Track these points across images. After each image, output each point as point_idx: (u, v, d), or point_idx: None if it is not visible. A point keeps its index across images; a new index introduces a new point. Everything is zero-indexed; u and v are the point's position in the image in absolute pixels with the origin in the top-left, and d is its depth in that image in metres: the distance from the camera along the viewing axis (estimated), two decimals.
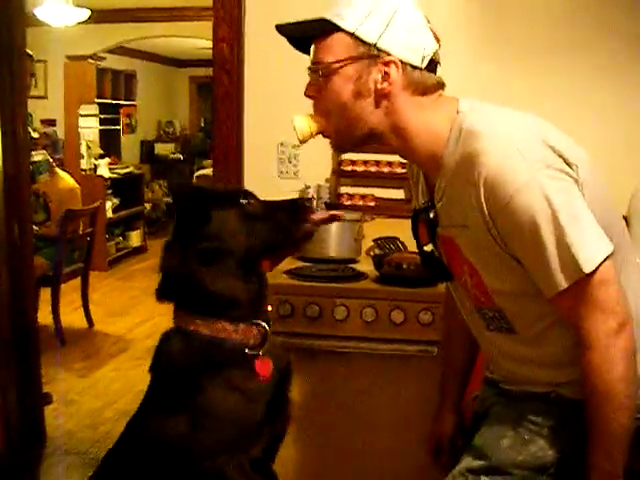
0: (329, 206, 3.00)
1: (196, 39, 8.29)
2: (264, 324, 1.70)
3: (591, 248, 1.36)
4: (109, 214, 8.03)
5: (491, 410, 1.65)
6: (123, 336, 5.67)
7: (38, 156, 4.83)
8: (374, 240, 2.84)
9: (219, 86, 3.09)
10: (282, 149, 3.11)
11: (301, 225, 1.71)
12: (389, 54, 1.46)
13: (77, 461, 3.58)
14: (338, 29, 1.47)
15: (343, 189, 3.20)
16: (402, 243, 2.82)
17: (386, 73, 1.46)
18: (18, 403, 3.58)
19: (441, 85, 1.54)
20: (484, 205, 1.40)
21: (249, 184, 3.07)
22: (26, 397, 3.63)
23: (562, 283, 1.38)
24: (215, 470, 1.61)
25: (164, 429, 1.65)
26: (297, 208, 1.73)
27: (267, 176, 3.16)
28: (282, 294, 2.43)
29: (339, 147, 1.64)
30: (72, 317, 5.78)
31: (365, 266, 2.68)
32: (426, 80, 1.50)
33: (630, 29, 2.94)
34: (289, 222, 1.70)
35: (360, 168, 3.12)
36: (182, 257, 1.67)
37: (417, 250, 1.75)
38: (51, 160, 5.35)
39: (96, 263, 6.65)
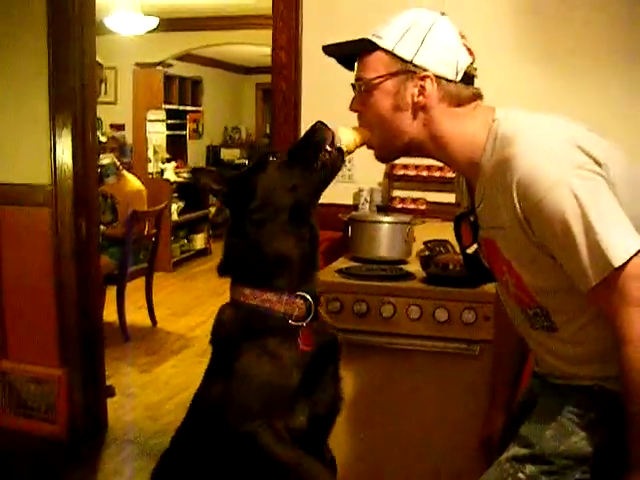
0: (380, 209, 3.07)
1: (263, 46, 8.47)
2: (309, 297, 1.73)
3: (620, 243, 1.41)
4: (174, 217, 8.24)
5: (537, 401, 1.72)
6: (185, 334, 5.83)
7: (106, 159, 5.00)
8: (424, 242, 2.89)
9: (277, 92, 3.20)
10: None
11: (325, 152, 1.72)
12: (425, 69, 1.57)
13: (137, 450, 3.70)
14: (377, 48, 1.60)
15: (395, 192, 3.26)
16: (452, 246, 2.88)
17: (422, 87, 1.57)
18: (82, 395, 3.76)
19: (477, 96, 1.63)
20: (518, 206, 1.48)
21: None
22: (90, 389, 3.80)
23: (594, 278, 1.43)
24: (247, 435, 1.65)
25: (207, 394, 1.74)
26: (313, 138, 1.74)
27: None
28: (332, 292, 2.52)
29: (382, 157, 1.74)
30: (136, 315, 5.96)
31: (414, 267, 2.76)
32: (461, 92, 1.59)
33: None
34: (314, 155, 1.72)
35: (412, 172, 3.18)
36: (240, 230, 1.75)
37: (460, 252, 1.84)
38: (118, 163, 5.52)
39: (161, 264, 6.85)
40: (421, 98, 1.58)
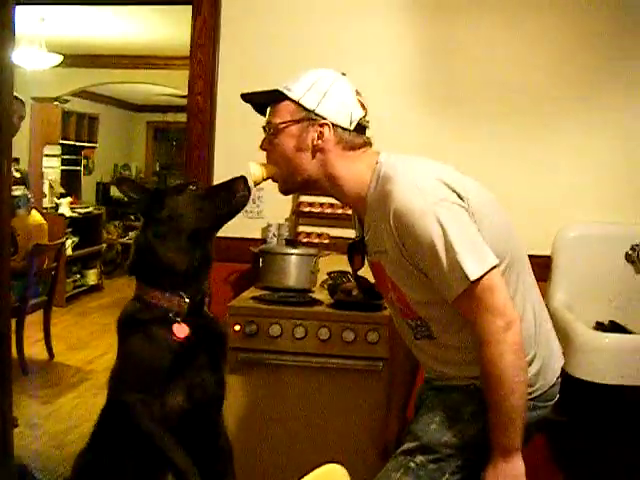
0: (288, 242, 3.31)
1: (155, 86, 8.66)
2: (186, 297, 2.06)
3: (476, 261, 1.70)
4: (68, 252, 8.19)
5: (424, 402, 2.00)
6: (83, 367, 5.86)
7: (17, 191, 5.05)
8: (328, 273, 3.13)
9: (193, 133, 3.41)
10: None
11: (236, 195, 2.10)
12: (324, 118, 1.89)
13: (46, 478, 3.77)
14: (286, 98, 1.90)
15: (301, 228, 3.47)
16: (352, 276, 3.16)
17: (321, 133, 1.89)
18: None
19: (367, 143, 1.95)
20: (395, 232, 1.78)
21: None
22: None
23: (456, 290, 1.72)
24: (123, 404, 1.97)
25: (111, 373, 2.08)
26: (231, 184, 2.11)
27: None
28: (248, 316, 2.76)
29: (285, 191, 2.04)
30: (33, 349, 5.91)
31: (320, 295, 3.02)
32: (354, 139, 1.91)
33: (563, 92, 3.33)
34: (226, 195, 2.10)
35: (317, 209, 3.40)
36: (144, 237, 2.10)
37: (352, 275, 2.16)
38: (30, 196, 5.57)
39: (55, 299, 6.83)
40: (320, 142, 1.89)
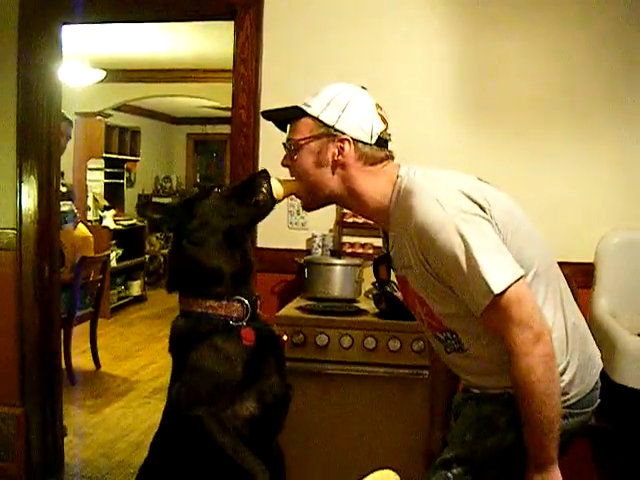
0: (333, 253, 3.34)
1: (195, 98, 8.77)
2: (245, 300, 2.03)
3: (499, 273, 1.66)
4: (113, 263, 8.32)
5: (461, 411, 1.98)
6: (129, 377, 5.95)
7: (65, 206, 5.15)
8: (372, 283, 3.16)
9: (237, 146, 3.47)
10: (292, 202, 3.43)
11: (260, 193, 2.03)
12: (344, 133, 1.87)
13: None
14: (305, 114, 1.89)
15: (345, 238, 3.50)
16: (396, 285, 3.18)
17: (341, 148, 1.87)
18: (40, 434, 3.85)
19: (388, 157, 1.93)
20: (417, 248, 1.77)
21: (262, 235, 3.44)
22: (48, 428, 3.89)
23: (481, 304, 1.68)
24: (195, 419, 1.92)
25: (170, 392, 2.03)
26: (254, 181, 2.05)
27: (278, 227, 3.49)
28: (296, 326, 2.80)
29: (307, 207, 2.03)
30: (80, 360, 6.02)
31: (364, 305, 3.05)
32: (375, 153, 1.89)
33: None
34: (251, 194, 2.04)
35: (360, 220, 3.37)
36: (179, 249, 2.06)
37: (379, 290, 2.13)
38: (76, 210, 5.68)
39: (100, 310, 6.95)
40: (340, 157, 1.87)
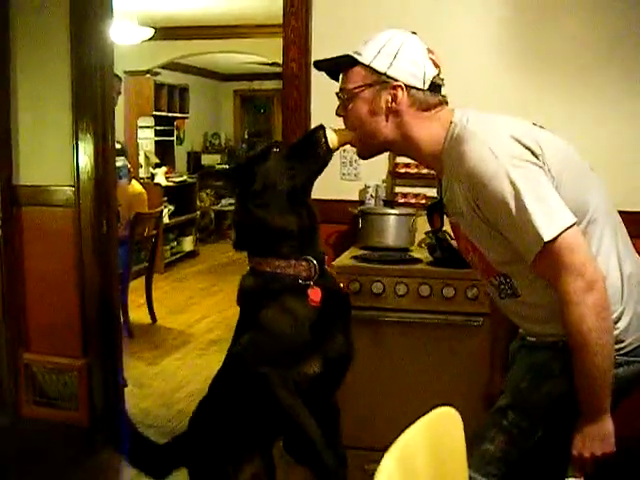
0: (386, 203, 3.36)
1: (241, 54, 8.76)
2: (313, 259, 2.07)
3: (550, 221, 1.65)
4: (165, 220, 8.42)
5: (517, 359, 1.99)
6: (184, 330, 6.07)
7: (119, 162, 5.22)
8: (426, 232, 3.17)
9: (290, 99, 3.48)
10: (344, 154, 3.45)
11: (319, 147, 2.05)
12: (396, 80, 1.86)
13: (156, 434, 3.92)
14: (357, 63, 1.89)
15: (398, 189, 3.51)
16: (449, 235, 3.18)
17: (394, 95, 1.87)
18: (102, 383, 3.97)
19: (442, 102, 1.91)
20: (469, 195, 1.77)
21: (315, 187, 3.37)
22: (110, 378, 4.00)
23: (532, 251, 1.68)
24: (260, 376, 1.98)
25: (237, 343, 2.10)
26: (313, 136, 2.06)
27: (331, 178, 3.46)
28: (351, 274, 2.84)
29: (362, 155, 2.04)
30: (136, 313, 6.17)
31: (418, 254, 3.08)
32: (428, 99, 1.88)
33: None
34: (313, 150, 2.06)
35: (413, 170, 3.42)
36: (245, 211, 2.10)
37: (432, 236, 2.14)
38: (129, 166, 5.76)
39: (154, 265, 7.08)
40: (393, 104, 1.87)
